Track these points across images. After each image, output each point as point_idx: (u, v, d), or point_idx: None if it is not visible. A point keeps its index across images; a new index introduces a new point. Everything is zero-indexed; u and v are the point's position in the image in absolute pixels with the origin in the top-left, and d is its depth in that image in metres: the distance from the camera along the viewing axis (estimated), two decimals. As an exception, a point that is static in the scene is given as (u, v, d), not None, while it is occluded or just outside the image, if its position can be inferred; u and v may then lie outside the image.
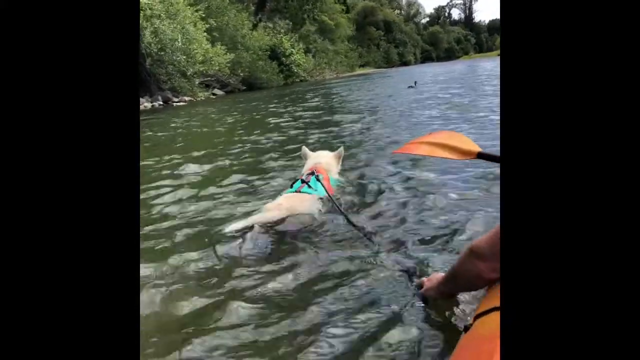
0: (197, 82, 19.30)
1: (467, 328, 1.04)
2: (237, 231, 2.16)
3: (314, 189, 2.48)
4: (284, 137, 5.87)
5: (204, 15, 20.07)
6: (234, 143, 5.74)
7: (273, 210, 2.28)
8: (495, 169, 2.67)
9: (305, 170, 2.78)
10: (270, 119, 8.68)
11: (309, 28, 41.78)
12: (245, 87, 25.40)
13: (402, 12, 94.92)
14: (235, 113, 11.21)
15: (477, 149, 1.82)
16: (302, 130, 6.34)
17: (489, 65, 25.12)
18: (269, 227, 2.21)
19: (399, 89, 13.46)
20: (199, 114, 11.76)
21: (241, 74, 24.48)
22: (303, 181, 2.54)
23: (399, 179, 3.06)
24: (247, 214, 2.43)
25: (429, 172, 3.13)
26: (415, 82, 13.96)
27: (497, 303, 0.93)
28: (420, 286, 1.52)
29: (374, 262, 1.85)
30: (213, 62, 19.82)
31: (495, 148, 1.94)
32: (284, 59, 31.11)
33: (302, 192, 2.45)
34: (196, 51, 18.30)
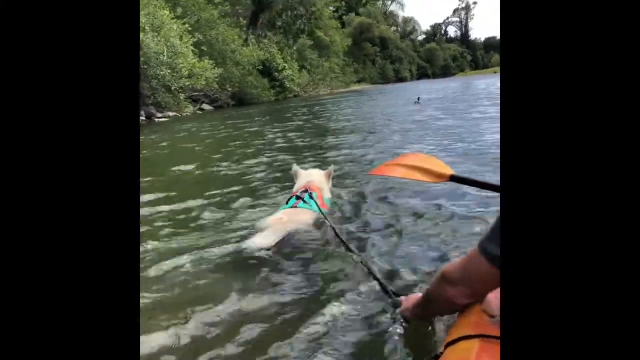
0: (182, 97, 18.58)
1: (437, 357, 1.05)
2: (255, 249, 2.16)
3: (309, 205, 2.51)
4: (270, 157, 5.60)
5: (190, 28, 19.46)
6: (213, 161, 5.54)
7: (277, 224, 2.30)
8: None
9: (297, 188, 2.82)
10: (257, 136, 8.37)
11: (304, 43, 41.37)
12: (234, 103, 24.82)
13: (399, 28, 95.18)
14: (221, 128, 10.79)
15: (450, 171, 1.86)
16: (291, 149, 5.95)
17: (483, 83, 24.73)
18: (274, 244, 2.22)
19: (396, 106, 13.09)
20: (182, 131, 11.18)
21: (229, 89, 23.86)
22: (298, 197, 2.57)
23: (386, 198, 3.05)
24: (245, 229, 2.53)
25: (415, 194, 3.10)
26: (419, 98, 13.96)
27: (467, 331, 0.98)
28: (397, 305, 1.52)
29: (359, 280, 1.87)
30: (200, 77, 19.17)
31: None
32: (276, 74, 30.60)
33: (298, 208, 2.49)
34: (182, 65, 17.67)
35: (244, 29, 31.55)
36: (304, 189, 2.70)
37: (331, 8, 56.81)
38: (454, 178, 1.85)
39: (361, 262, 1.98)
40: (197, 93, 21.64)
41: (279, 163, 4.98)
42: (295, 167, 3.08)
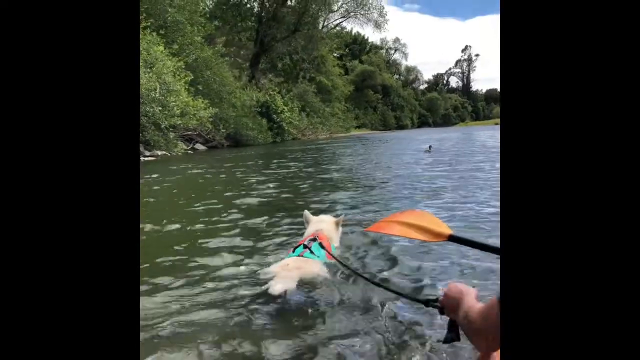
0: (171, 136, 17.85)
1: None
2: (273, 293, 2.15)
3: (315, 255, 2.52)
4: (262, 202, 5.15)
5: (184, 67, 19.03)
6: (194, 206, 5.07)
7: (285, 272, 2.30)
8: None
9: (307, 235, 2.81)
10: (249, 180, 7.69)
11: (305, 87, 41.41)
12: (230, 144, 24.22)
13: (401, 77, 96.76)
14: (211, 171, 10.10)
15: (448, 231, 1.87)
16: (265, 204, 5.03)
17: (484, 135, 24.24)
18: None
19: (397, 158, 12.32)
20: (169, 172, 10.36)
21: (223, 130, 23.27)
22: (305, 246, 2.57)
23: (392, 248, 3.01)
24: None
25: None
26: (430, 147, 13.75)
27: None
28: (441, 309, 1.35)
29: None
30: (193, 116, 18.58)
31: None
32: (274, 116, 30.22)
33: (305, 257, 2.50)
34: (174, 103, 17.09)
35: (245, 71, 31.45)
36: (312, 237, 2.68)
37: (335, 54, 57.63)
38: (452, 238, 1.83)
39: (381, 285, 2.04)
40: (190, 132, 21.04)
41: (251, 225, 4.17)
42: (306, 212, 3.08)
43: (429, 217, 2.09)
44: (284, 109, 31.61)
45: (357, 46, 77.93)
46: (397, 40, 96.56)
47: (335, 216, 3.11)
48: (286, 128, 31.56)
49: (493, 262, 2.49)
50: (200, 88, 21.44)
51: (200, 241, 3.47)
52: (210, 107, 19.91)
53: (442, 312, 1.37)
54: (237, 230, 3.78)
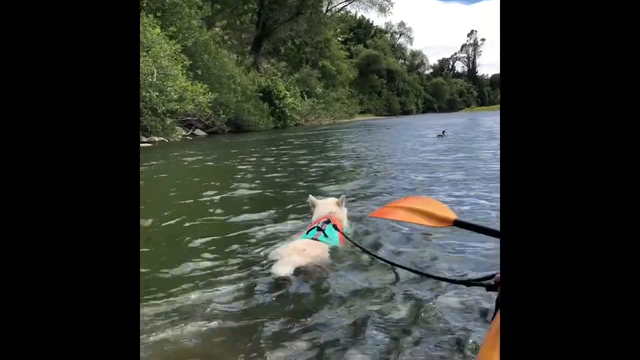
0: (169, 122, 17.34)
1: None
2: (280, 277, 2.12)
3: (329, 239, 2.51)
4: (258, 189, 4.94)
5: (181, 50, 18.45)
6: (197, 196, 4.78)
7: (295, 254, 2.25)
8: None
9: (316, 218, 2.81)
10: (248, 167, 7.42)
11: (309, 72, 40.67)
12: (230, 129, 23.77)
13: (406, 62, 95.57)
14: (209, 158, 9.68)
15: (453, 216, 1.87)
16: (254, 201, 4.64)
17: (489, 121, 23.70)
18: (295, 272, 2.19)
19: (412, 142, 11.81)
20: (167, 158, 9.99)
21: (223, 115, 22.76)
22: (319, 229, 2.54)
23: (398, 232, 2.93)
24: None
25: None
26: (444, 131, 13.50)
27: None
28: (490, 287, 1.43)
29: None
30: (192, 101, 18.07)
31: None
32: (277, 101, 29.64)
33: (319, 240, 2.47)
34: (171, 87, 16.58)
35: (246, 55, 30.82)
36: (326, 219, 2.67)
37: (339, 39, 56.72)
38: (457, 223, 1.84)
39: (419, 272, 2.04)
40: (189, 118, 20.58)
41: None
42: (311, 197, 3.06)
43: (433, 202, 2.07)
44: (286, 94, 31.01)
45: (361, 30, 76.88)
46: (402, 24, 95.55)
47: (336, 197, 3.09)
48: (288, 114, 31.00)
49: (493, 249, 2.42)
50: (199, 73, 20.89)
51: (194, 233, 3.22)
52: (210, 92, 19.39)
53: (490, 289, 1.42)
54: (231, 222, 3.52)
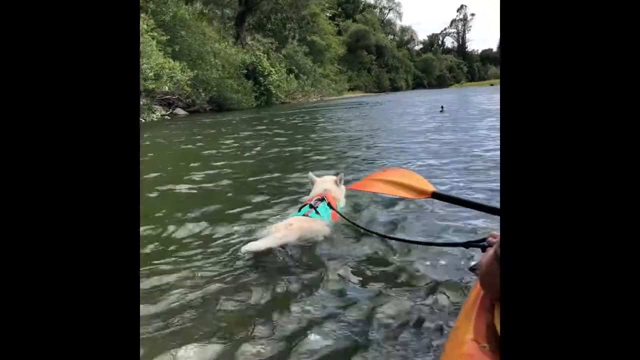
0: (144, 101, 16.56)
1: None
2: (252, 252, 2.13)
3: (320, 215, 2.50)
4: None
5: (154, 25, 17.55)
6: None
7: (283, 230, 2.26)
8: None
9: (313, 195, 2.80)
10: (229, 147, 7.12)
11: (295, 47, 39.54)
12: (212, 107, 23.02)
13: (396, 37, 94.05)
14: (183, 138, 9.25)
15: (431, 188, 1.91)
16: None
17: (479, 98, 23.16)
18: (281, 247, 2.22)
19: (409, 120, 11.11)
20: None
21: (202, 93, 21.93)
22: (311, 206, 2.55)
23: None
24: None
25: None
26: (442, 107, 13.66)
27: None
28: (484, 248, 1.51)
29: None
30: (170, 79, 17.26)
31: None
32: (261, 79, 28.77)
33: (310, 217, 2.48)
34: (146, 65, 15.77)
35: (230, 30, 29.75)
36: (320, 197, 2.69)
37: (327, 14, 55.40)
38: (435, 195, 1.87)
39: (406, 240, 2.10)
40: (169, 97, 19.80)
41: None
42: (310, 174, 3.10)
43: (412, 175, 2.12)
44: (271, 70, 30.11)
45: (350, 5, 75.25)
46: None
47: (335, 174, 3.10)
48: (274, 91, 30.16)
49: (478, 219, 2.46)
50: (177, 49, 19.99)
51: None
52: (189, 70, 18.57)
53: (484, 250, 1.47)
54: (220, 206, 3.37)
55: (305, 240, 2.29)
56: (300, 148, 6.81)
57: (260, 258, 2.13)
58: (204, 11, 25.56)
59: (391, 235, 2.15)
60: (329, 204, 2.60)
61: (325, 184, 2.91)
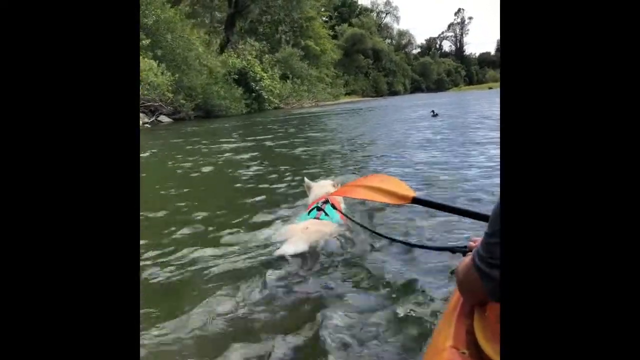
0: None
1: None
2: (289, 255, 2.16)
3: (330, 217, 2.52)
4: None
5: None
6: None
7: (300, 233, 2.31)
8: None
9: (313, 199, 2.84)
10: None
11: (291, 52, 38.64)
12: (198, 114, 22.07)
13: (393, 41, 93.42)
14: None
15: (412, 193, 1.90)
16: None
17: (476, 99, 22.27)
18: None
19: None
20: None
21: (183, 101, 20.89)
22: (319, 208, 2.57)
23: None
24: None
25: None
26: (433, 111, 13.69)
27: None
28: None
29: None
30: (149, 85, 16.32)
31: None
32: (253, 84, 27.84)
33: (321, 219, 2.50)
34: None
35: (219, 35, 28.84)
36: (324, 199, 2.68)
37: (323, 18, 54.63)
38: (416, 200, 1.87)
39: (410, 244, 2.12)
40: (152, 103, 18.86)
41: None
42: (306, 180, 3.09)
43: (392, 180, 2.17)
44: (263, 75, 29.20)
45: (346, 9, 74.57)
46: (388, 2, 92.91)
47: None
48: (266, 97, 29.23)
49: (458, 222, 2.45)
50: (159, 54, 19.05)
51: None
52: (169, 73, 17.61)
53: (464, 255, 1.50)
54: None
55: (321, 244, 2.30)
56: (272, 168, 5.87)
57: (263, 259, 2.18)
58: (190, 12, 24.59)
59: (393, 237, 2.22)
60: (333, 206, 2.60)
61: (324, 187, 2.91)
